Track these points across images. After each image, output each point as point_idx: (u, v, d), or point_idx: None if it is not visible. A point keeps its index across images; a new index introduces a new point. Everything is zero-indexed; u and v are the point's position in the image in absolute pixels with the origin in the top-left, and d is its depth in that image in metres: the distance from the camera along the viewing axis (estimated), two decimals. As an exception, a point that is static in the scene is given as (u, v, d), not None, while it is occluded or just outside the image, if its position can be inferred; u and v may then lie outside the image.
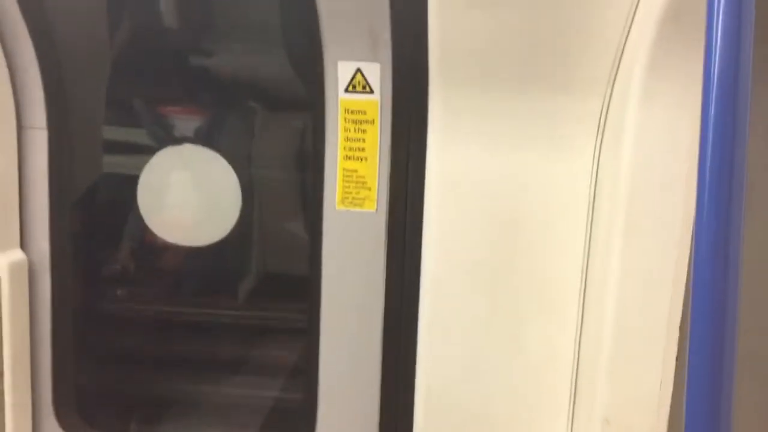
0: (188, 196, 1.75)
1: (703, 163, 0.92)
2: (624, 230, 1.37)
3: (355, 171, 1.56)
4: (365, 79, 1.50)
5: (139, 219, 1.76)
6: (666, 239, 1.37)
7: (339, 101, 1.52)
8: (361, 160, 1.55)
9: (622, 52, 1.36)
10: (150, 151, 1.74)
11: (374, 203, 1.55)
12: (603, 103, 1.41)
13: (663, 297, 1.39)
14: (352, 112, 1.53)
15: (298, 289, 1.69)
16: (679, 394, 1.42)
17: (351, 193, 1.56)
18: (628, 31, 1.34)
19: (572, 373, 1.54)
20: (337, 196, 1.56)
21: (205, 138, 1.78)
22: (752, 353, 1.12)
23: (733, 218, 0.90)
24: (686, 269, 1.36)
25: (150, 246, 1.83)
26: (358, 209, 1.56)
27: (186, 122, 1.81)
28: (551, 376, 1.56)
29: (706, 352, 0.92)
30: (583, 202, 1.48)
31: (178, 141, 1.76)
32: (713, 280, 0.91)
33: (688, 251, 1.35)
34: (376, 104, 1.52)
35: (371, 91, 1.51)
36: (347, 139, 1.54)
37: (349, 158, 1.55)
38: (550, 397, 1.56)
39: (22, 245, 1.66)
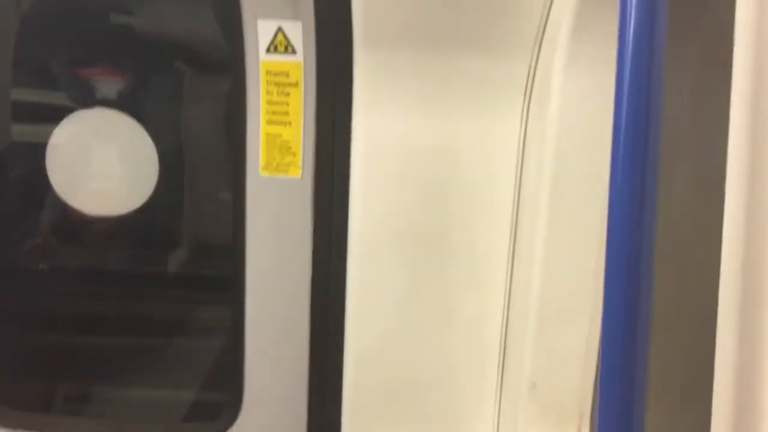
0: (100, 163, 1.66)
1: (618, 123, 0.91)
2: (550, 194, 1.37)
3: (279, 136, 1.50)
4: (287, 39, 1.44)
5: (51, 188, 1.66)
6: (592, 202, 1.37)
7: (260, 63, 1.46)
8: (285, 124, 1.49)
9: (548, 13, 1.34)
10: (61, 116, 1.64)
11: (299, 169, 1.50)
12: (530, 65, 1.39)
13: (588, 261, 1.39)
14: (275, 74, 1.47)
15: (222, 259, 1.64)
16: (604, 356, 1.43)
17: (275, 158, 1.51)
18: (554, -8, 1.32)
19: (501, 339, 1.55)
20: (261, 162, 1.51)
21: (119, 101, 1.68)
22: (669, 308, 1.14)
23: (647, 175, 0.89)
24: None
25: (62, 218, 1.74)
26: (282, 175, 1.51)
27: (101, 84, 1.71)
28: (480, 343, 1.56)
29: (619, 307, 0.92)
30: (511, 167, 1.47)
31: (91, 104, 1.66)
32: (627, 234, 0.90)
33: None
34: (299, 66, 1.46)
35: (294, 52, 1.45)
36: (270, 102, 1.48)
37: (273, 122, 1.49)
38: (479, 364, 1.56)
39: None
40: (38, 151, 1.65)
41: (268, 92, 1.48)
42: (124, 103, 1.67)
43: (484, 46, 1.39)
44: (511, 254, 1.51)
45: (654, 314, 0.89)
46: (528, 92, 1.42)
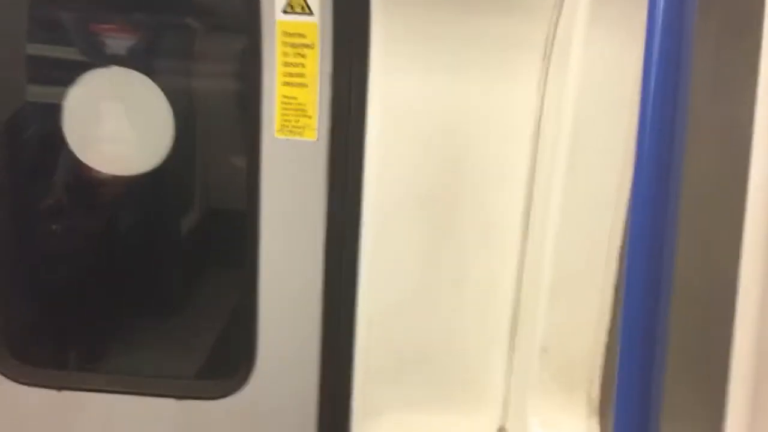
0: (116, 122, 1.66)
1: (646, 92, 0.89)
2: (566, 160, 1.36)
3: (295, 98, 1.49)
4: (304, -1, 1.42)
5: (67, 148, 1.66)
6: (609, 167, 1.36)
7: (276, 23, 1.44)
8: (301, 86, 1.48)
9: (570, -25, 1.31)
10: (77, 74, 1.63)
11: (314, 132, 1.50)
12: (550, 27, 1.37)
13: (603, 226, 1.39)
14: (291, 35, 1.45)
15: (236, 220, 1.64)
16: (616, 323, 1.44)
17: (290, 121, 1.50)
18: (577, -47, 1.29)
19: (513, 304, 1.56)
20: (276, 124, 1.50)
21: (135, 59, 1.67)
22: (688, 283, 1.13)
23: (674, 146, 0.89)
24: (627, 199, 1.36)
25: (79, 177, 1.74)
26: (297, 138, 1.50)
27: (114, 42, 1.70)
28: (492, 307, 1.57)
29: (642, 278, 0.92)
30: (528, 131, 1.45)
31: (106, 62, 1.65)
32: (652, 206, 0.89)
33: (630, 181, 1.35)
34: (316, 27, 1.44)
35: (310, 13, 1.43)
36: (286, 64, 1.47)
37: (288, 84, 1.48)
38: (491, 328, 1.57)
39: None
40: (54, 111, 1.64)
41: (284, 53, 1.46)
42: (138, 62, 1.65)
43: (502, 8, 1.37)
44: (525, 220, 1.51)
45: (674, 294, 0.89)
46: (547, 55, 1.40)
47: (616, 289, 1.43)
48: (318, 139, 1.50)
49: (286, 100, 1.49)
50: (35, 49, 1.77)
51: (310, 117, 1.49)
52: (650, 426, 0.89)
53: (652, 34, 0.89)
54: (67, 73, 1.65)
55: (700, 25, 0.89)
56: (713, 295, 1.11)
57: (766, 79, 0.90)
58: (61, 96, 1.63)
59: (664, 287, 0.91)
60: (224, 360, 1.77)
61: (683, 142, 0.84)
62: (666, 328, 0.92)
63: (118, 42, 1.70)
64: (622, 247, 1.40)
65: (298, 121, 1.50)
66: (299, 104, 1.49)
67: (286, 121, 1.50)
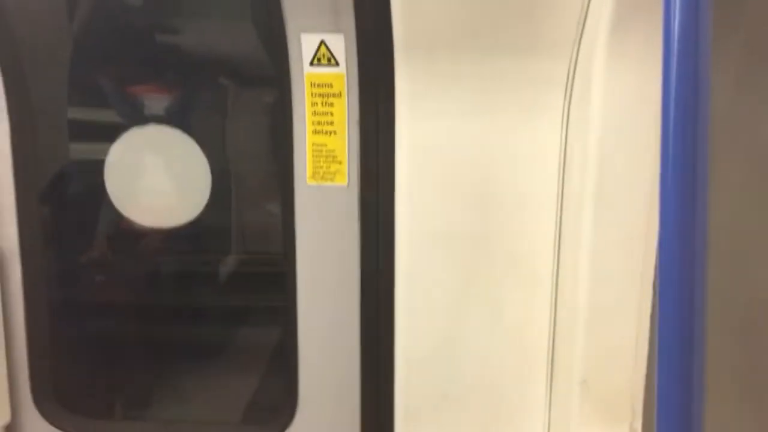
0: (156, 177, 1.73)
1: (666, 123, 0.92)
2: (595, 191, 1.37)
3: (325, 145, 1.54)
4: (330, 51, 1.48)
5: (109, 203, 1.73)
6: (637, 199, 1.37)
7: (304, 75, 1.50)
8: (330, 134, 1.53)
9: (587, 13, 1.35)
10: (116, 134, 1.71)
11: (345, 177, 1.54)
12: (570, 65, 1.40)
13: (636, 257, 1.40)
14: (319, 85, 1.51)
15: (274, 266, 1.68)
16: (656, 351, 1.43)
17: (321, 167, 1.55)
18: (592, -8, 1.32)
19: (549, 337, 1.55)
20: (308, 171, 1.55)
21: (171, 117, 1.74)
22: (722, 307, 1.13)
23: (698, 174, 0.90)
24: (657, 227, 1.37)
25: (121, 230, 1.80)
26: (329, 183, 1.55)
27: (151, 102, 1.78)
28: (529, 341, 1.56)
29: (675, 307, 0.93)
30: (554, 167, 1.47)
31: (144, 121, 1.73)
32: (680, 235, 0.91)
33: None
34: (342, 77, 1.50)
35: (336, 64, 1.49)
36: (315, 113, 1.52)
37: (318, 132, 1.53)
38: (528, 361, 1.57)
39: None
40: (97, 167, 1.72)
41: (312, 103, 1.52)
42: (175, 120, 1.73)
43: (523, 47, 1.40)
44: (556, 253, 1.52)
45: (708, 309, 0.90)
46: (569, 92, 1.43)
47: (653, 317, 1.43)
48: (349, 185, 1.54)
49: (316, 147, 1.54)
50: (78, 113, 1.86)
51: (340, 163, 1.54)
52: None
53: (668, 64, 0.92)
54: (107, 132, 1.74)
55: (716, 54, 0.91)
56: (749, 318, 1.11)
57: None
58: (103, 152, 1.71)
59: (697, 313, 0.92)
60: (267, 404, 1.79)
61: (706, 168, 0.86)
62: (702, 354, 0.92)
63: (156, 101, 1.78)
64: (657, 276, 1.40)
65: (329, 167, 1.54)
66: (329, 151, 1.54)
67: (317, 167, 1.55)
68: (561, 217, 1.49)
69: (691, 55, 0.91)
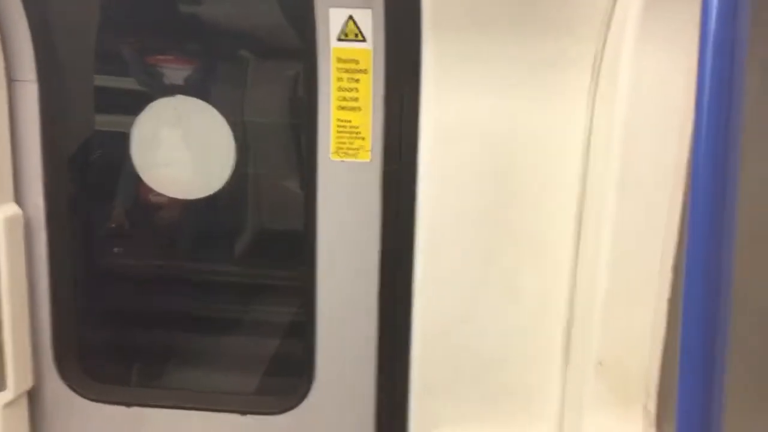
0: (181, 148, 1.74)
1: (700, 110, 0.92)
2: (619, 174, 1.38)
3: (349, 121, 1.55)
4: (357, 27, 1.48)
5: (134, 173, 1.75)
6: (660, 182, 1.37)
7: (331, 50, 1.51)
8: (355, 110, 1.54)
9: (617, -6, 1.34)
10: (142, 103, 1.72)
11: (368, 153, 1.55)
12: (598, 46, 1.39)
13: (656, 240, 1.40)
14: (345, 61, 1.52)
15: (295, 241, 1.70)
16: (672, 335, 1.44)
17: (345, 143, 1.56)
18: (624, -27, 1.32)
19: (567, 317, 1.57)
20: (331, 147, 1.56)
21: (197, 89, 1.76)
22: (748, 294, 1.14)
23: (729, 161, 0.90)
24: (679, 212, 1.37)
25: (145, 200, 1.83)
26: (352, 159, 1.56)
27: (177, 72, 1.79)
28: (546, 321, 1.58)
29: (701, 292, 0.93)
30: (578, 148, 1.48)
31: (170, 92, 1.74)
32: (709, 223, 0.91)
33: (682, 193, 1.36)
34: (369, 53, 1.50)
35: (364, 40, 1.49)
36: (340, 89, 1.53)
37: (343, 108, 1.54)
38: (545, 341, 1.58)
39: (17, 201, 1.65)
40: (121, 137, 1.74)
41: (338, 79, 1.52)
42: (200, 91, 1.74)
43: (552, 27, 1.40)
44: (577, 234, 1.52)
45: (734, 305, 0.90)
46: (596, 73, 1.42)
47: (671, 301, 1.43)
48: (372, 160, 1.55)
49: (340, 123, 1.54)
50: (105, 81, 1.87)
51: (363, 139, 1.55)
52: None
53: (705, 49, 0.91)
54: (133, 102, 1.75)
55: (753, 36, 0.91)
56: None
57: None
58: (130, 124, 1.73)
59: (723, 298, 0.92)
60: (284, 376, 1.82)
61: (738, 153, 0.86)
62: (726, 338, 0.93)
63: (182, 72, 1.79)
64: (676, 260, 1.40)
65: (352, 143, 1.55)
66: (353, 127, 1.54)
67: (341, 143, 1.55)
68: (584, 199, 1.49)
69: (727, 54, 0.91)
